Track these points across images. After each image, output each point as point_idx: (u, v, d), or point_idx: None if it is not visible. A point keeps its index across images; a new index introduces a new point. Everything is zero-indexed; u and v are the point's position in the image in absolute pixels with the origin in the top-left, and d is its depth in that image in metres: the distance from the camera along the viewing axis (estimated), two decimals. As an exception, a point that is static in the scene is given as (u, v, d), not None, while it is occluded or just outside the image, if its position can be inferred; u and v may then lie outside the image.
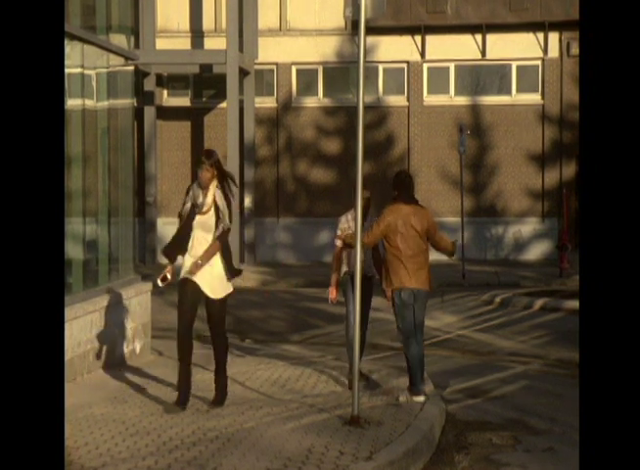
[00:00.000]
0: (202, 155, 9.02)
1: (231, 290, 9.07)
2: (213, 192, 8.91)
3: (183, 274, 8.94)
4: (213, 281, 8.91)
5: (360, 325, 10.07)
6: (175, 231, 9.18)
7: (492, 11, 27.91)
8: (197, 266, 8.81)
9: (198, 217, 8.93)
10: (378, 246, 9.86)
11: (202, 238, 8.93)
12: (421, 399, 9.39)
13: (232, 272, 9.04)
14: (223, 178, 8.99)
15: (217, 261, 8.94)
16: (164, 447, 7.52)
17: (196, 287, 8.85)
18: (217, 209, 8.90)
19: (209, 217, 8.92)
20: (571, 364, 12.13)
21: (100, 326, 10.94)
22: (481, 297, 19.98)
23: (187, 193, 9.05)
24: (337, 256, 10.22)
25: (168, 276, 8.94)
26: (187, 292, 8.91)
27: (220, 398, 9.17)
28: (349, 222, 10.06)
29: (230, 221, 8.98)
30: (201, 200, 8.91)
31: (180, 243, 9.00)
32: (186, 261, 8.98)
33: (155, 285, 9.08)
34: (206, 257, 8.86)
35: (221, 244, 8.94)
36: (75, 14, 11.08)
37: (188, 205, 8.98)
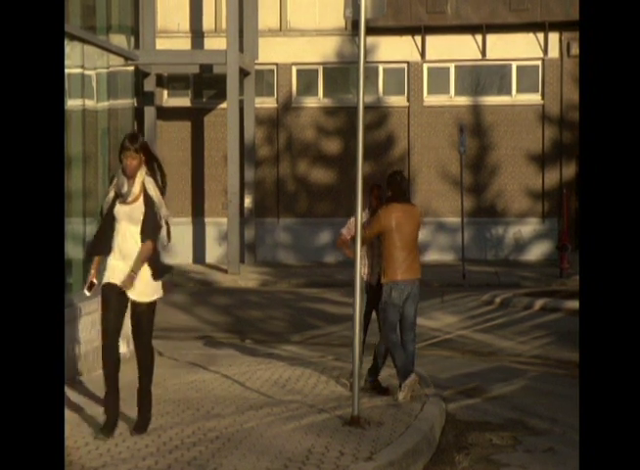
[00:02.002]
0: (125, 139, 7.78)
1: (160, 294, 7.98)
2: (141, 180, 7.76)
3: (107, 278, 7.85)
4: (139, 283, 7.78)
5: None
6: (97, 227, 8.14)
7: (492, 11, 27.90)
8: (131, 279, 7.71)
9: (121, 207, 7.76)
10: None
11: (127, 232, 7.79)
12: (412, 378, 9.55)
13: (160, 271, 7.95)
14: (152, 164, 7.85)
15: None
16: (165, 448, 7.52)
17: (121, 291, 7.79)
18: (148, 199, 7.75)
19: (136, 208, 7.75)
20: (571, 365, 12.13)
21: (100, 326, 10.92)
22: (482, 297, 19.97)
23: (110, 182, 7.95)
24: (344, 241, 10.21)
25: (94, 281, 7.97)
26: (111, 298, 7.81)
27: (142, 422, 8.03)
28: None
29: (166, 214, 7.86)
30: (126, 189, 7.73)
31: (105, 239, 7.88)
32: (111, 261, 7.87)
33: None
34: (141, 263, 7.75)
35: (155, 242, 7.83)
36: (75, 14, 11.08)
37: (111, 194, 7.83)
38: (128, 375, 10.79)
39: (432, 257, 27.29)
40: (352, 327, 8.55)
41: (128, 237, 7.79)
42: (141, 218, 7.76)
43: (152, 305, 7.93)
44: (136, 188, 7.75)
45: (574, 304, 17.23)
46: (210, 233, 28.80)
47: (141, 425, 7.98)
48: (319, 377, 10.72)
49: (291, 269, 26.59)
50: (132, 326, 8.01)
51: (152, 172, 7.86)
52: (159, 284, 7.94)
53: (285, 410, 8.91)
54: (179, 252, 28.02)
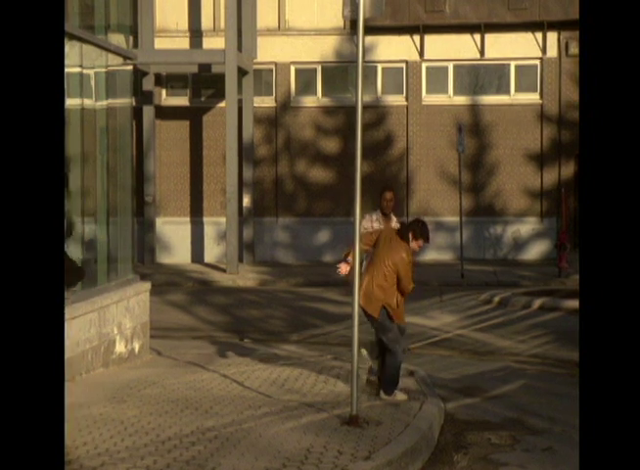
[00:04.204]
0: None
1: None
2: None
3: None
4: None
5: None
6: None
7: (491, 10, 27.91)
8: None
9: None
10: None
11: None
12: (405, 397, 9.57)
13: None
14: None
15: None
16: (163, 447, 7.52)
17: None
18: None
19: None
20: (570, 364, 12.14)
21: (99, 326, 10.94)
22: (480, 296, 19.98)
23: None
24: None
25: None
26: None
27: None
28: (373, 223, 10.05)
29: None
30: None
31: None
32: None
33: None
34: None
35: None
36: (74, 13, 11.08)
37: None
38: (126, 374, 10.81)
39: (430, 256, 27.28)
40: (352, 326, 8.54)
41: None
42: None
43: None
44: None
45: (573, 303, 17.23)
46: (209, 232, 28.78)
47: None
48: (317, 376, 10.72)
49: (289, 269, 26.59)
50: None
51: None
52: None
53: (283, 410, 8.91)
54: (178, 251, 28.02)
